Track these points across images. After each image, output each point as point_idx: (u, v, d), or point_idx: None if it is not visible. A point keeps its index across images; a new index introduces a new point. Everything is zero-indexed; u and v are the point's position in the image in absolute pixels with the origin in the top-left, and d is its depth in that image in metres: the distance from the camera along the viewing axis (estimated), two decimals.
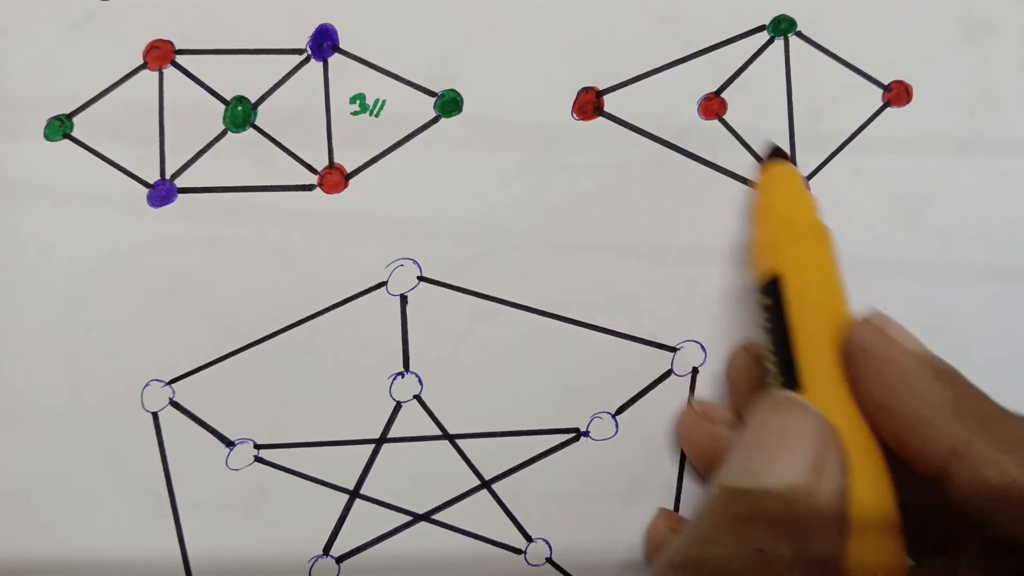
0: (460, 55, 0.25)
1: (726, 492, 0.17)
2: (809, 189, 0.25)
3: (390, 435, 0.24)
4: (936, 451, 0.17)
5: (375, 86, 0.25)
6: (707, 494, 0.18)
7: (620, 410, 0.25)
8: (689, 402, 0.25)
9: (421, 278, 0.25)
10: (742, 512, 0.17)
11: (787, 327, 0.20)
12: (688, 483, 0.25)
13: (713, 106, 0.26)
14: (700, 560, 0.16)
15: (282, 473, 0.24)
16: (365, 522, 0.24)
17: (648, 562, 0.24)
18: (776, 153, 0.24)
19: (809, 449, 0.17)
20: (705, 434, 0.23)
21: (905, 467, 0.18)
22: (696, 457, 0.24)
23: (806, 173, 0.26)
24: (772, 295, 0.21)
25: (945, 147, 0.26)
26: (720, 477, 0.18)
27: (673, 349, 0.25)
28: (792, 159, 0.26)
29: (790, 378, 0.19)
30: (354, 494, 0.24)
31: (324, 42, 0.25)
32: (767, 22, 0.26)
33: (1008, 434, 0.17)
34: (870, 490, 0.18)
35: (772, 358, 0.20)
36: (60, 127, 0.25)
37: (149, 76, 0.25)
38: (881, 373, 0.18)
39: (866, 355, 0.19)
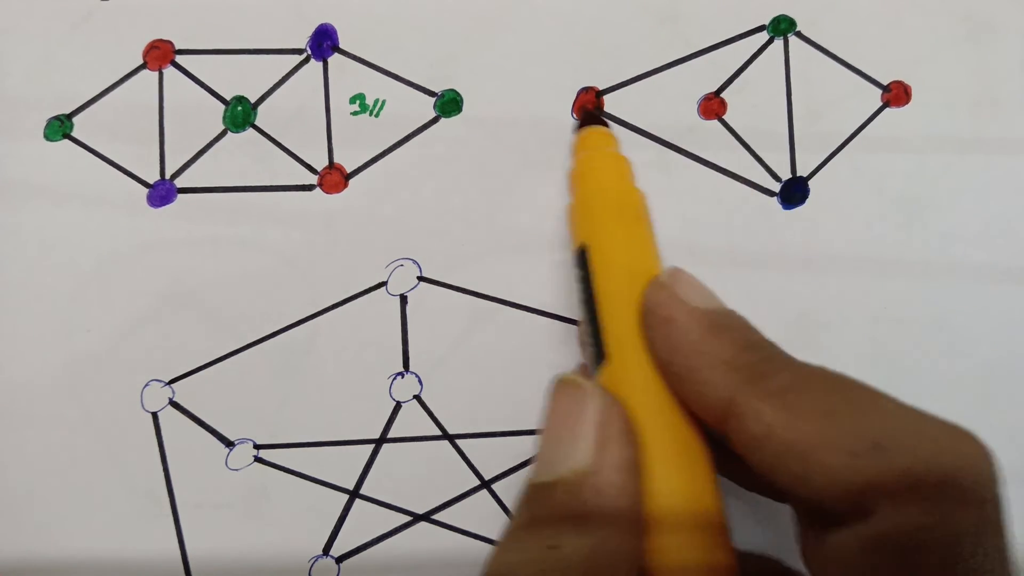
0: (460, 55, 0.25)
1: (526, 491, 0.16)
2: (620, 150, 0.23)
3: (390, 435, 0.24)
4: (713, 408, 0.16)
5: (375, 86, 0.25)
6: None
7: None
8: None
9: (421, 278, 0.25)
10: (537, 509, 0.16)
11: (594, 298, 0.19)
12: None
13: (713, 106, 0.26)
14: (496, 572, 0.15)
15: (282, 473, 0.24)
16: (365, 522, 0.24)
17: None
18: (589, 119, 0.23)
19: (591, 429, 0.16)
20: None
21: None
22: None
23: (806, 173, 0.26)
24: (583, 265, 0.20)
25: (945, 147, 0.26)
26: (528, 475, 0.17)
27: None
28: (791, 159, 0.26)
29: (600, 350, 0.18)
30: (354, 494, 0.24)
31: (324, 42, 0.25)
32: (767, 22, 0.26)
33: (776, 385, 0.16)
34: (674, 471, 0.17)
35: (587, 330, 0.19)
36: (60, 127, 0.25)
37: (149, 76, 0.25)
38: (663, 333, 0.17)
39: (652, 316, 0.18)
